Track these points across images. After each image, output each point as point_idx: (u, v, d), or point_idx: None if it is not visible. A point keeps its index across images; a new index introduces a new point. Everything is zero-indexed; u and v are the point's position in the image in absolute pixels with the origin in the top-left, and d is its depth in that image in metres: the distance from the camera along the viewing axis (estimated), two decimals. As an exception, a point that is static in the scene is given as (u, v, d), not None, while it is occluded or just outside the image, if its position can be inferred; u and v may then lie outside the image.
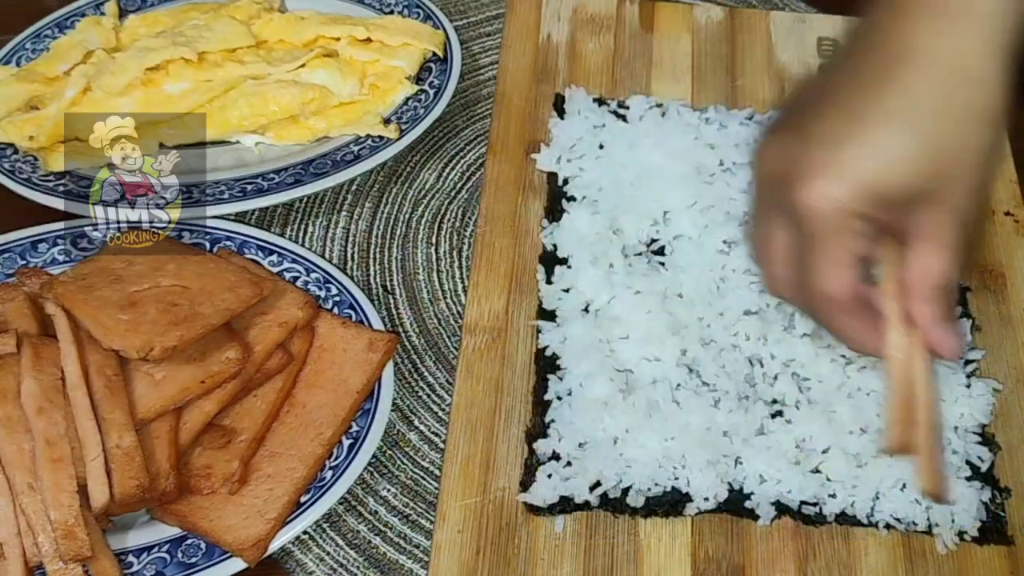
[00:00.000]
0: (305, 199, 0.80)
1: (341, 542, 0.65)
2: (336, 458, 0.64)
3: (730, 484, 0.64)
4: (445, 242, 0.78)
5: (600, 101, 0.83)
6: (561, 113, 0.82)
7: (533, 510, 0.63)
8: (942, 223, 0.52)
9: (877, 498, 0.64)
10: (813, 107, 0.53)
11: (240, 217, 0.77)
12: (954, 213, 0.52)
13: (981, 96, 0.51)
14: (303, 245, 0.76)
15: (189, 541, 0.61)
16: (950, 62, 0.51)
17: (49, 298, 0.64)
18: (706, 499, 0.63)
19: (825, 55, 0.88)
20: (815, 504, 0.64)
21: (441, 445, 0.68)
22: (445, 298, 0.76)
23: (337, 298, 0.71)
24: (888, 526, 0.63)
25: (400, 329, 0.74)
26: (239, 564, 0.60)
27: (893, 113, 0.51)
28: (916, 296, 0.53)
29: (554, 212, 0.76)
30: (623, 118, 0.81)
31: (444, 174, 0.82)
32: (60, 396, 0.60)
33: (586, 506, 0.63)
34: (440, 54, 0.85)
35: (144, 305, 0.63)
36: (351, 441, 0.65)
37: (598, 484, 0.64)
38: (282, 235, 0.77)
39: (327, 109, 0.82)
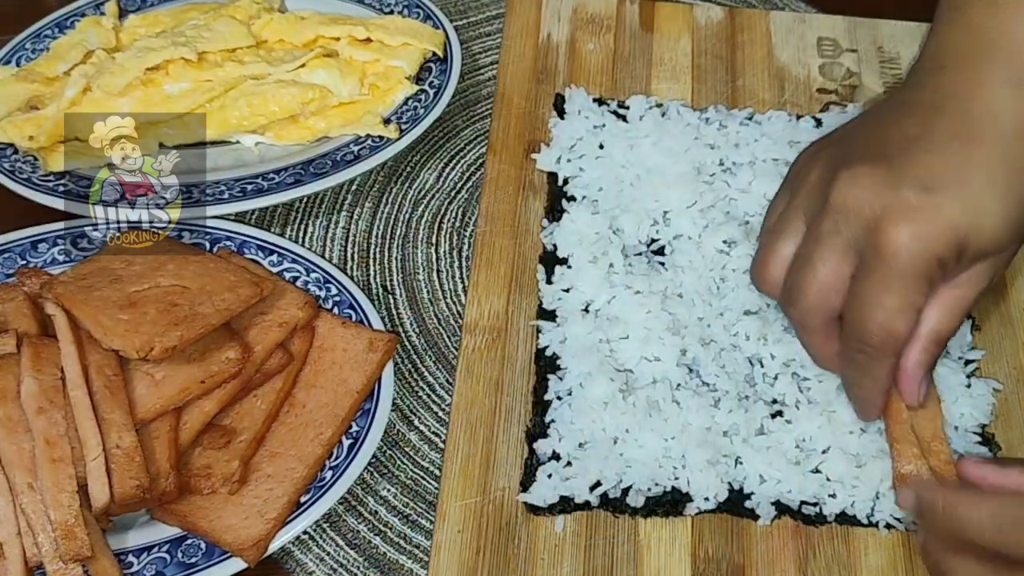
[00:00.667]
0: (305, 199, 0.80)
1: (341, 542, 0.65)
2: (336, 458, 0.64)
3: (730, 484, 0.64)
4: (445, 242, 0.78)
5: (600, 101, 0.83)
6: (561, 113, 0.82)
7: (533, 510, 0.63)
8: (979, 279, 0.55)
9: (877, 498, 0.64)
10: (896, 147, 0.55)
11: (240, 217, 0.77)
12: (989, 275, 0.55)
13: None
14: (303, 245, 0.76)
15: (189, 541, 0.61)
16: None
17: (49, 298, 0.64)
18: (706, 499, 0.63)
19: (826, 55, 0.88)
20: (815, 504, 0.64)
21: (441, 445, 0.68)
22: (445, 298, 0.76)
23: (337, 298, 0.71)
24: (888, 526, 0.63)
25: (400, 329, 0.74)
26: (239, 564, 0.60)
27: (985, 172, 0.52)
28: (915, 338, 0.56)
29: (554, 212, 0.76)
30: (623, 118, 0.81)
31: (444, 174, 0.82)
32: (60, 396, 0.60)
33: (586, 506, 0.63)
34: (440, 54, 0.85)
35: (144, 305, 0.63)
36: (351, 441, 0.65)
37: (598, 484, 0.64)
38: (282, 235, 0.77)
39: (327, 109, 0.82)
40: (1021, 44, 0.55)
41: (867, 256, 0.54)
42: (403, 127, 0.80)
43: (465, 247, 0.78)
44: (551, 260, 0.74)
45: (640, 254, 0.74)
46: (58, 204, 0.74)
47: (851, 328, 0.56)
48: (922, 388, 0.58)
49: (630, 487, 0.64)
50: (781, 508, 0.64)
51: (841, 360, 0.60)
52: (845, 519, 0.63)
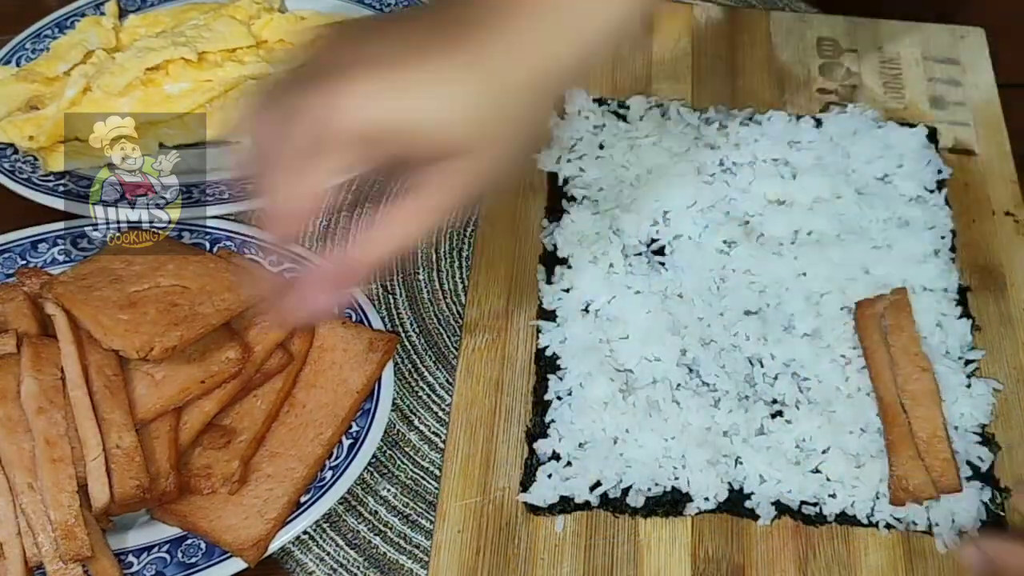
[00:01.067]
0: (305, 199, 0.80)
1: (341, 542, 0.65)
2: (336, 458, 0.64)
3: (730, 484, 0.64)
4: (445, 242, 0.78)
5: (600, 101, 0.83)
6: (561, 113, 0.82)
7: (533, 510, 0.63)
8: (443, 187, 0.51)
9: (877, 498, 0.64)
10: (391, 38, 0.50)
11: (240, 217, 0.77)
12: (461, 182, 0.51)
13: (544, 80, 0.50)
14: (303, 245, 0.76)
15: (189, 541, 0.61)
16: (543, 47, 0.49)
17: (49, 298, 0.64)
18: (706, 499, 0.63)
19: (826, 55, 0.88)
20: (815, 504, 0.64)
21: (441, 445, 0.68)
22: (445, 298, 0.75)
23: (337, 298, 0.71)
24: (888, 526, 0.63)
25: (400, 329, 0.74)
26: (239, 564, 0.60)
27: (465, 68, 0.48)
28: (367, 243, 0.52)
29: (554, 212, 0.76)
30: (623, 118, 0.81)
31: (444, 174, 0.82)
32: (60, 396, 0.60)
33: (586, 506, 0.63)
34: (440, 54, 0.85)
35: (144, 305, 0.63)
36: (351, 441, 0.65)
37: (598, 484, 0.64)
38: (282, 235, 0.77)
39: (327, 109, 0.82)
40: None
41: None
42: (403, 127, 0.80)
43: (465, 247, 0.78)
44: (551, 260, 0.74)
45: (640, 254, 0.74)
46: (58, 204, 0.74)
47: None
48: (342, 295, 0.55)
49: (630, 487, 0.64)
50: (781, 508, 0.64)
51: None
52: (845, 519, 0.63)
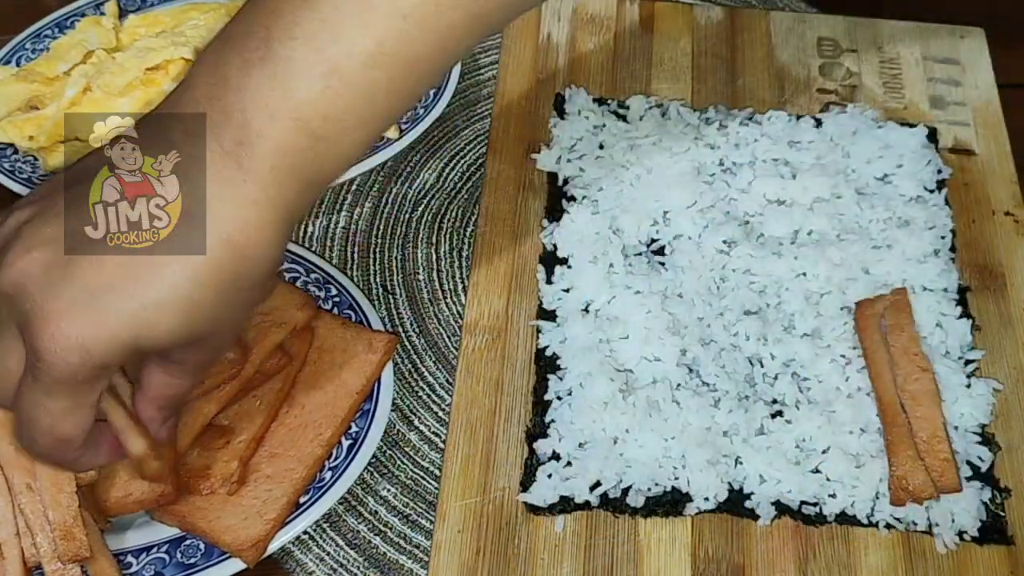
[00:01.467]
0: (305, 199, 0.80)
1: (341, 542, 0.65)
2: (335, 459, 0.64)
3: (730, 484, 0.64)
4: (445, 242, 0.78)
5: (600, 101, 0.83)
6: (561, 113, 0.82)
7: (533, 510, 0.63)
8: (168, 382, 0.51)
9: (877, 498, 0.64)
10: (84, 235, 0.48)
11: (240, 217, 0.77)
12: (189, 372, 0.51)
13: (255, 271, 0.47)
14: (303, 245, 0.76)
15: (188, 541, 0.61)
16: (232, 235, 0.46)
17: None
18: (706, 499, 0.63)
19: (826, 55, 0.88)
20: (815, 504, 0.64)
21: (441, 445, 0.68)
22: (445, 298, 0.75)
23: (336, 299, 0.71)
24: (888, 526, 0.63)
25: (400, 329, 0.74)
26: (238, 564, 0.60)
27: (157, 277, 0.46)
28: (149, 405, 0.52)
29: (554, 212, 0.76)
30: (623, 118, 0.81)
31: (444, 174, 0.82)
32: None
33: (586, 506, 0.63)
34: (440, 54, 0.85)
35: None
36: (350, 442, 0.65)
37: (598, 484, 0.63)
38: (282, 235, 0.77)
39: (327, 109, 0.82)
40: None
41: (28, 353, 0.47)
42: (403, 127, 0.80)
43: (465, 247, 0.78)
44: (551, 260, 0.74)
45: (640, 254, 0.74)
46: (58, 204, 0.74)
47: (21, 426, 0.50)
48: (163, 431, 0.54)
49: (630, 487, 0.64)
50: (781, 508, 0.64)
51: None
52: (845, 519, 0.63)
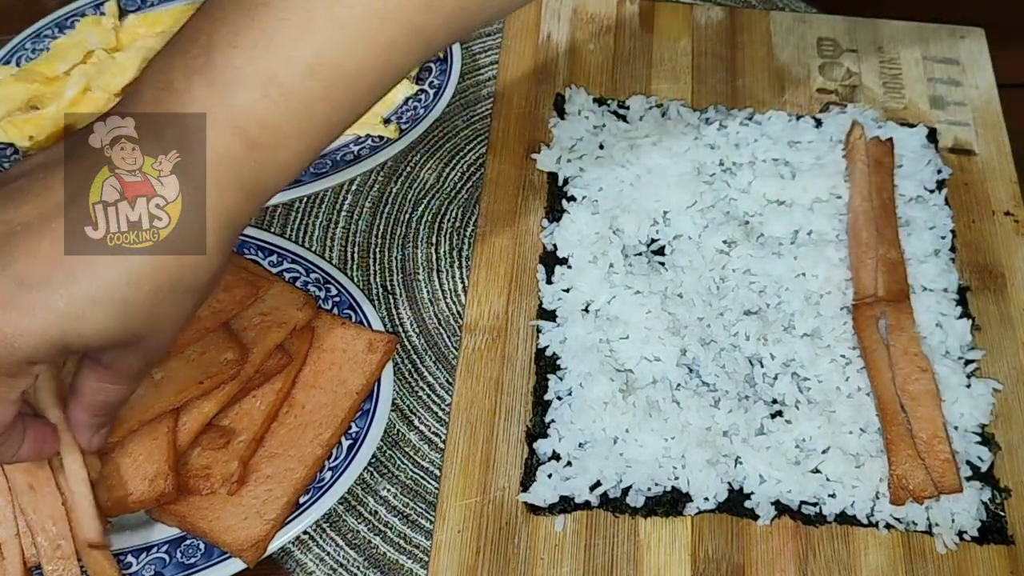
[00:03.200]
0: (305, 199, 0.80)
1: (341, 542, 0.65)
2: (335, 459, 0.64)
3: (730, 484, 0.64)
4: (445, 242, 0.78)
5: (600, 101, 0.83)
6: (561, 113, 0.82)
7: (533, 510, 0.63)
8: (99, 384, 0.51)
9: (877, 498, 0.64)
10: (16, 223, 0.46)
11: (240, 217, 0.77)
12: (121, 374, 0.50)
13: (194, 277, 0.48)
14: (303, 245, 0.76)
15: (188, 541, 0.61)
16: (172, 239, 0.47)
17: None
18: (706, 499, 0.63)
19: (826, 55, 0.88)
20: (815, 504, 0.64)
21: (441, 445, 0.68)
22: (445, 298, 0.75)
23: (336, 298, 0.71)
24: (888, 526, 0.63)
25: (400, 329, 0.74)
26: (238, 564, 0.60)
27: (93, 266, 0.46)
28: (81, 411, 0.53)
29: (554, 212, 0.76)
30: (623, 118, 0.81)
31: (444, 174, 0.82)
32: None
33: (586, 506, 0.63)
34: (440, 54, 0.85)
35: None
36: (350, 442, 0.65)
37: (598, 484, 0.64)
38: (282, 235, 0.77)
39: (327, 109, 0.82)
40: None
41: None
42: (403, 127, 0.80)
43: (465, 247, 0.78)
44: (551, 260, 0.74)
45: (640, 254, 0.74)
46: (58, 204, 0.74)
47: None
48: (95, 440, 0.54)
49: (630, 487, 0.64)
50: (781, 508, 0.64)
51: None
52: (845, 519, 0.63)
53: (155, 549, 0.61)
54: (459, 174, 0.82)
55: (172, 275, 0.47)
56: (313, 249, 0.77)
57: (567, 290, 0.72)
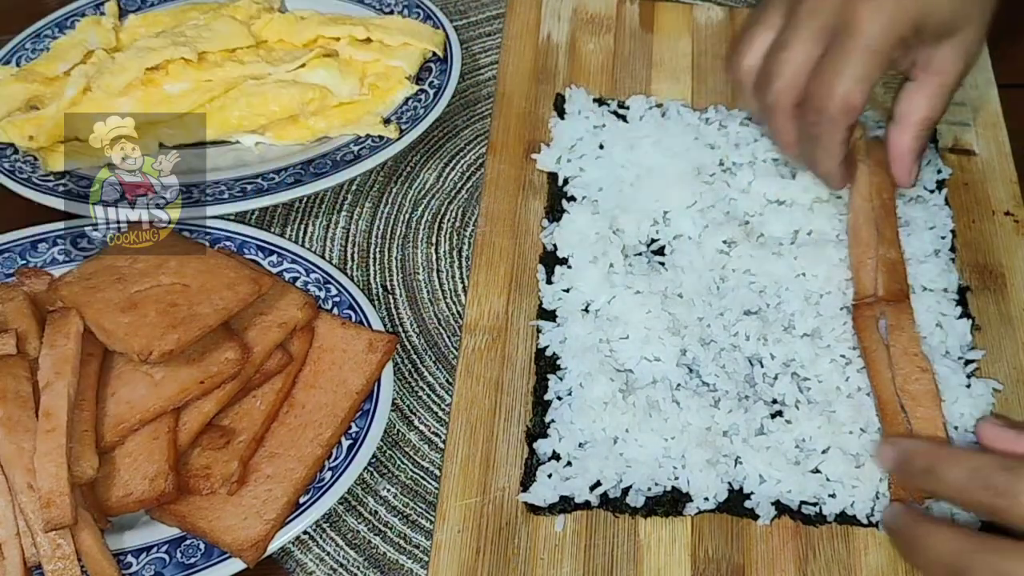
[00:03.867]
0: (305, 199, 0.80)
1: (341, 542, 0.65)
2: (335, 459, 0.64)
3: (730, 484, 0.64)
4: (445, 242, 0.78)
5: (600, 101, 0.83)
6: (561, 113, 0.82)
7: (533, 510, 0.63)
8: (953, 62, 0.62)
9: (877, 498, 0.64)
10: None
11: (240, 217, 0.77)
12: (961, 57, 0.61)
13: None
14: (303, 245, 0.76)
15: (188, 541, 0.61)
16: None
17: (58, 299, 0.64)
18: (706, 499, 0.63)
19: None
20: (815, 504, 0.64)
21: (441, 445, 0.68)
22: (445, 298, 0.75)
23: (337, 298, 0.71)
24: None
25: (400, 329, 0.74)
26: (238, 564, 0.60)
27: None
28: (906, 125, 0.64)
29: (554, 212, 0.76)
30: (623, 118, 0.81)
31: (444, 174, 0.82)
32: (68, 367, 0.60)
33: (586, 506, 0.63)
34: (440, 54, 0.85)
35: (144, 306, 0.63)
36: (350, 442, 0.65)
37: (598, 484, 0.64)
38: (282, 235, 0.77)
39: (327, 109, 0.82)
40: None
41: (837, 34, 0.61)
42: (403, 127, 0.80)
43: (465, 247, 0.78)
44: (551, 260, 0.74)
45: (640, 254, 0.74)
46: (58, 204, 0.74)
47: (813, 99, 0.62)
48: (913, 170, 0.66)
49: (630, 487, 0.64)
50: (781, 508, 0.64)
51: (801, 138, 0.66)
52: (845, 519, 0.63)
53: (155, 549, 0.61)
54: (459, 174, 0.82)
55: None
56: (313, 249, 0.77)
57: (567, 290, 0.72)
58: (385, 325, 0.71)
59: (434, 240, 0.79)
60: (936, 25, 0.61)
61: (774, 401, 0.67)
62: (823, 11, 0.62)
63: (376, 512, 0.66)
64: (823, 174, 0.68)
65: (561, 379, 0.68)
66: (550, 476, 0.64)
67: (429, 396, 0.71)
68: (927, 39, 0.62)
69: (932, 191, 0.77)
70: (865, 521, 0.63)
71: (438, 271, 0.77)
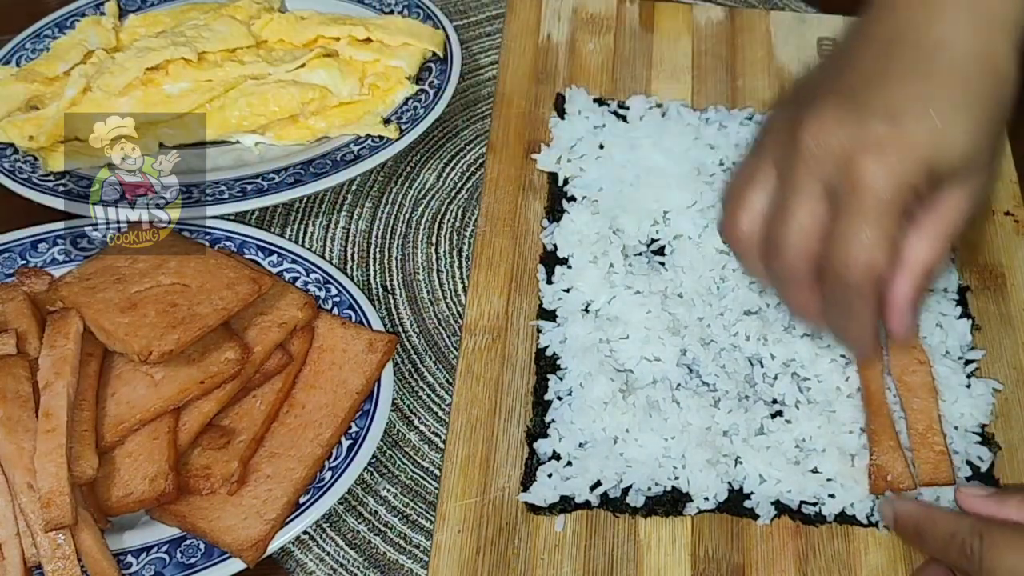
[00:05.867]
0: (305, 199, 0.80)
1: (341, 542, 0.65)
2: (335, 459, 0.64)
3: (730, 484, 0.64)
4: (445, 242, 0.78)
5: (600, 101, 0.83)
6: (561, 113, 0.82)
7: (533, 510, 0.63)
8: (957, 207, 0.56)
9: (877, 497, 0.64)
10: (858, 83, 0.55)
11: (240, 217, 0.77)
12: (969, 200, 0.56)
13: (1006, 91, 0.55)
14: (303, 245, 0.76)
15: (188, 541, 0.61)
16: (984, 59, 0.55)
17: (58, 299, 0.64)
18: (706, 499, 0.63)
19: (825, 54, 0.88)
20: (815, 504, 0.64)
21: (441, 445, 0.68)
22: (445, 298, 0.75)
23: (337, 298, 0.71)
24: (887, 526, 0.63)
25: (400, 329, 0.74)
26: (238, 564, 0.60)
27: (945, 97, 0.54)
28: (907, 274, 0.56)
29: (554, 212, 0.76)
30: (623, 118, 0.81)
31: (444, 174, 0.82)
32: (67, 368, 0.60)
33: (586, 506, 0.63)
34: (440, 54, 0.85)
35: (144, 306, 0.63)
36: (350, 442, 0.65)
37: (598, 484, 0.63)
38: (282, 235, 0.77)
39: (327, 109, 0.82)
40: None
41: (842, 194, 0.54)
42: (403, 127, 0.80)
43: (465, 247, 0.78)
44: (551, 260, 0.74)
45: (640, 254, 0.74)
46: (58, 204, 0.74)
47: (831, 268, 0.56)
48: (912, 324, 0.58)
49: (630, 487, 0.64)
50: (781, 508, 0.64)
51: (825, 307, 0.59)
52: (845, 519, 0.63)
53: (155, 549, 0.61)
54: (459, 174, 0.82)
55: (992, 93, 0.55)
56: (313, 249, 0.77)
57: (567, 290, 0.72)
58: (385, 325, 0.71)
59: (434, 240, 0.79)
60: (948, 172, 0.54)
61: (774, 401, 0.67)
62: (821, 165, 0.54)
63: (376, 512, 0.66)
64: (854, 342, 0.61)
65: (561, 379, 0.68)
66: (550, 476, 0.64)
67: (429, 396, 0.71)
68: (940, 186, 0.55)
69: (932, 191, 0.77)
70: (865, 521, 0.63)
71: (438, 271, 0.77)
